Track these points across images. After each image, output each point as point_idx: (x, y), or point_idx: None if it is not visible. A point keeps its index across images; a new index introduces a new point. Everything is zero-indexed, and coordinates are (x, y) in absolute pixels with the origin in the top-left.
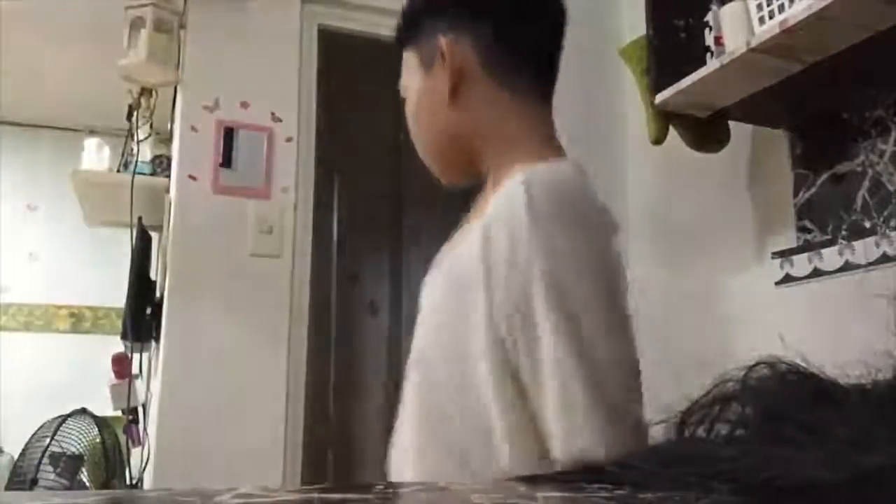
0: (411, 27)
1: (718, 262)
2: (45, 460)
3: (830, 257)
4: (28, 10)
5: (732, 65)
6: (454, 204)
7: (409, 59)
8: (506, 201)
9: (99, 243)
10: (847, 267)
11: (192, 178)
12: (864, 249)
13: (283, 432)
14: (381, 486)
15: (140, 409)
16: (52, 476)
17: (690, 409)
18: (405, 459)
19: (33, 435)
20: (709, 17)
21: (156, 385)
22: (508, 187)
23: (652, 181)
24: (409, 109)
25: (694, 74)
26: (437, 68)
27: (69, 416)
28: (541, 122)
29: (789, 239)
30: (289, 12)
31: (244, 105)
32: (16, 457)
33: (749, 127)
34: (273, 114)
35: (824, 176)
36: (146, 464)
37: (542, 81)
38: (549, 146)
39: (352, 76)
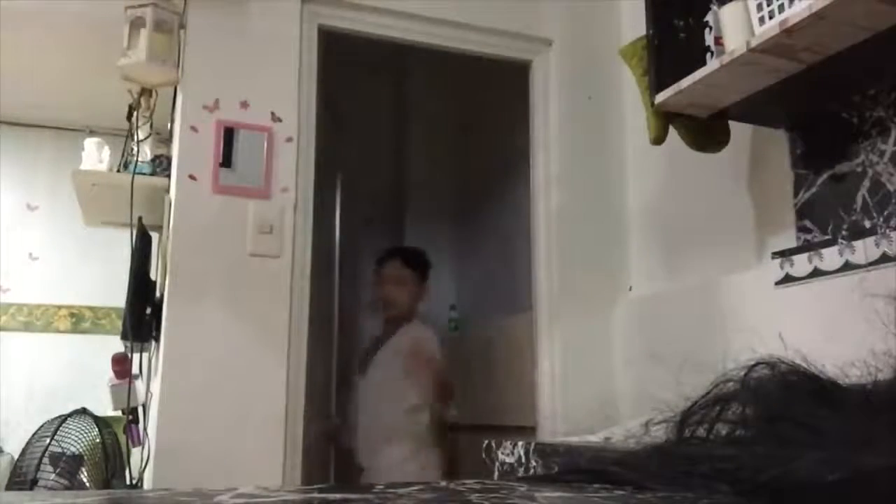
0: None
1: (718, 262)
2: (45, 460)
3: (830, 257)
4: (28, 10)
5: (732, 65)
6: (453, 204)
7: (410, 275)
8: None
9: (99, 243)
10: (847, 267)
11: (192, 178)
12: (864, 249)
13: (283, 432)
14: (381, 486)
15: (140, 409)
16: (52, 476)
17: (690, 409)
18: None
19: (33, 435)
20: (709, 17)
21: (156, 385)
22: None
23: (652, 181)
24: (403, 290)
25: (694, 74)
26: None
27: (69, 416)
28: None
29: (789, 239)
30: (289, 12)
31: (244, 105)
32: (16, 457)
33: (749, 127)
34: (273, 114)
35: (824, 176)
36: (146, 464)
37: None
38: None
39: (352, 76)
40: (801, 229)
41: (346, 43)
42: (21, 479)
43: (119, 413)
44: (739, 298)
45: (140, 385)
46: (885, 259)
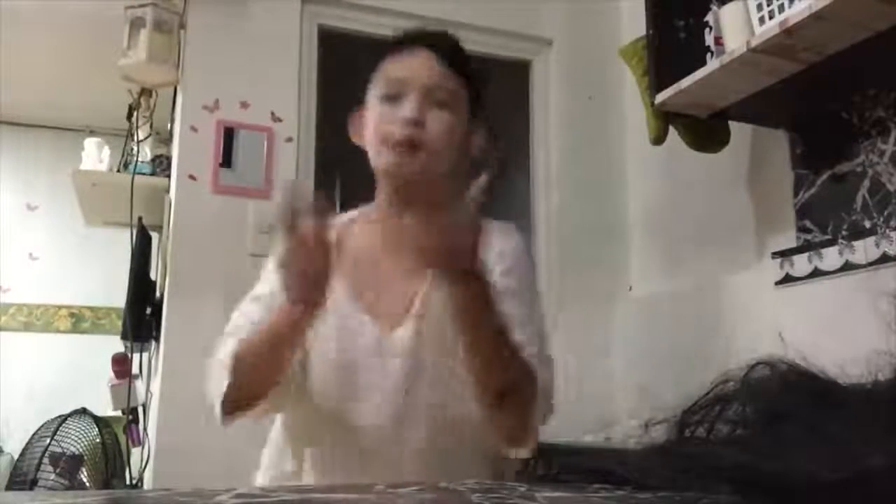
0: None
1: (718, 262)
2: (45, 460)
3: (830, 257)
4: (28, 10)
5: (732, 65)
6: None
7: (461, 94)
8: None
9: (99, 243)
10: (847, 267)
11: (192, 178)
12: (864, 249)
13: None
14: (381, 486)
15: (140, 409)
16: (52, 476)
17: (690, 409)
18: None
19: (33, 435)
20: (709, 17)
21: (156, 385)
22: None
23: (652, 181)
24: (451, 122)
25: (694, 74)
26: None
27: (69, 416)
28: None
29: (789, 239)
30: (289, 12)
31: (244, 105)
32: (16, 457)
33: (749, 127)
34: (273, 114)
35: (824, 176)
36: (146, 464)
37: None
38: None
39: (352, 76)
40: (801, 229)
41: (346, 43)
42: (21, 479)
43: (119, 413)
44: (739, 298)
45: (140, 385)
46: (885, 259)
